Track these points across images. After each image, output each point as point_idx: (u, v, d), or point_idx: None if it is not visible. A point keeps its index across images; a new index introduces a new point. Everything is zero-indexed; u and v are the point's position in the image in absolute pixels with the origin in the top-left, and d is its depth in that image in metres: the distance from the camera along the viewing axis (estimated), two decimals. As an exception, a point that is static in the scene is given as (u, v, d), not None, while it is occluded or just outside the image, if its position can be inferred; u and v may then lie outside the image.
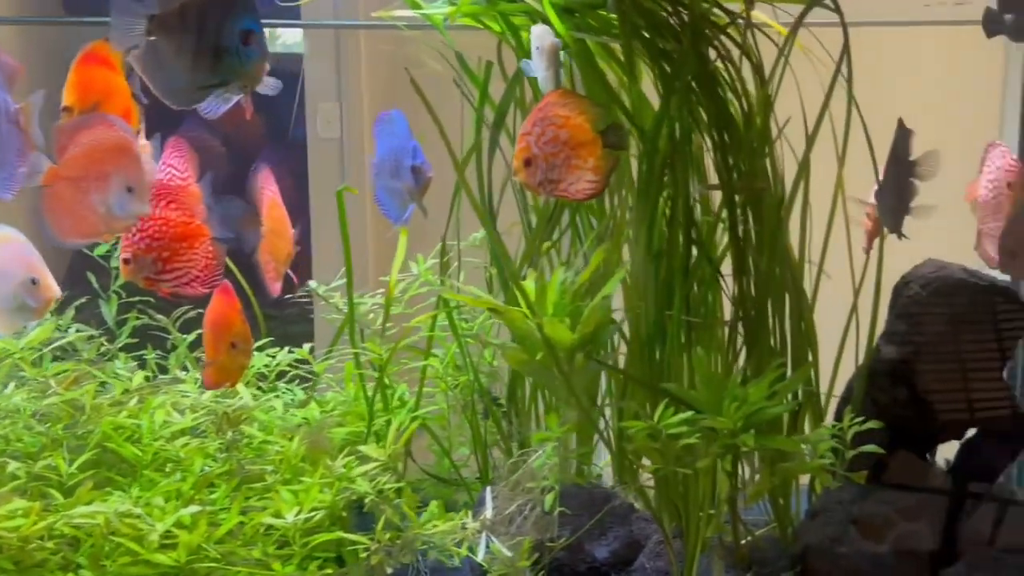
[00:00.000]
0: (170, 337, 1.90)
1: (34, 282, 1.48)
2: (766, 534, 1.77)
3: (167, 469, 1.60)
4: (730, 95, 1.68)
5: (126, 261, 1.54)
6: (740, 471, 1.65)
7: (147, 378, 1.82)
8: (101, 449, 1.61)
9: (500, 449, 1.90)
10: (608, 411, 1.86)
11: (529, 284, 1.57)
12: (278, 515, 1.49)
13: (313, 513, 1.50)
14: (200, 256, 1.61)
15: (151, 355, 1.91)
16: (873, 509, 1.68)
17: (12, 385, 1.71)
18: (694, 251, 1.67)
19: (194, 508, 1.45)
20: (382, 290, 1.95)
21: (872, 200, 1.76)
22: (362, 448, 1.56)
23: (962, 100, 2.55)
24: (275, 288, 1.78)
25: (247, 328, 1.59)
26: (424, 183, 1.68)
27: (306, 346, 1.93)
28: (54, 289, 1.52)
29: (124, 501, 1.44)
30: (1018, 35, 1.88)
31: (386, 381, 1.83)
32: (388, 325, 1.92)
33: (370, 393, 1.81)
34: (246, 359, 1.59)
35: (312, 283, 2.02)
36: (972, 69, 2.51)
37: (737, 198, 1.65)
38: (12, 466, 1.54)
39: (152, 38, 1.20)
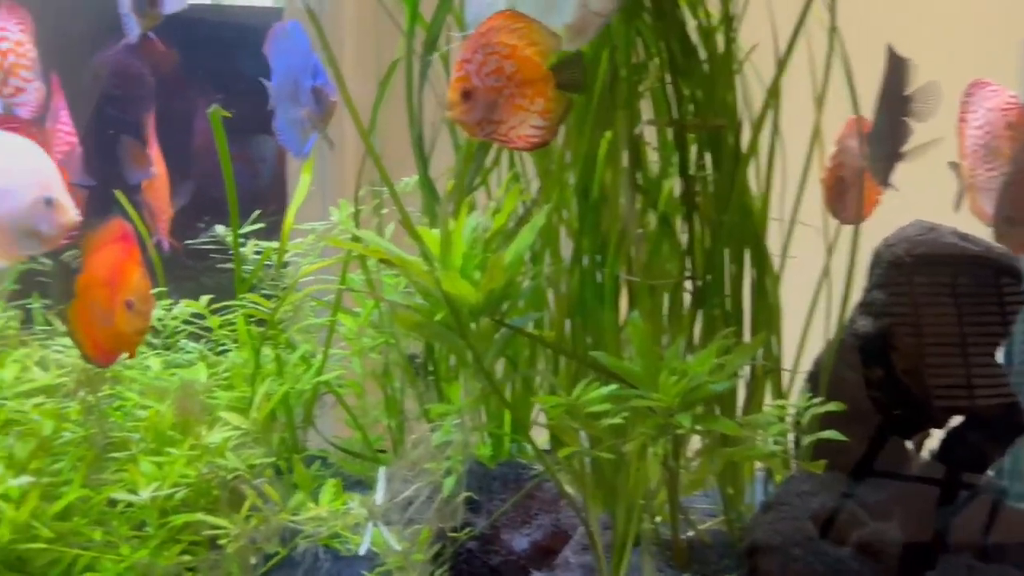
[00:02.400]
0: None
1: (48, 203, 1.31)
2: (714, 528, 1.55)
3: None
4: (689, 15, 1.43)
5: None
6: (684, 456, 1.43)
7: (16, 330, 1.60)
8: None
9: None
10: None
11: (433, 232, 1.33)
12: (133, 491, 1.28)
13: (175, 489, 1.28)
14: None
15: (37, 303, 1.70)
16: (837, 504, 1.46)
17: None
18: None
19: (25, 479, 1.23)
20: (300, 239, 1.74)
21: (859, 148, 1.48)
22: (223, 414, 1.33)
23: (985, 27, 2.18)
24: (164, 243, 1.64)
25: (147, 284, 1.33)
26: (328, 107, 1.44)
27: (203, 299, 1.71)
28: (71, 213, 1.33)
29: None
30: None
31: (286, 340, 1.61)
32: (302, 279, 1.70)
33: (269, 354, 1.59)
34: (144, 323, 1.31)
35: (219, 228, 1.80)
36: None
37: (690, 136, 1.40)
38: None
39: None
